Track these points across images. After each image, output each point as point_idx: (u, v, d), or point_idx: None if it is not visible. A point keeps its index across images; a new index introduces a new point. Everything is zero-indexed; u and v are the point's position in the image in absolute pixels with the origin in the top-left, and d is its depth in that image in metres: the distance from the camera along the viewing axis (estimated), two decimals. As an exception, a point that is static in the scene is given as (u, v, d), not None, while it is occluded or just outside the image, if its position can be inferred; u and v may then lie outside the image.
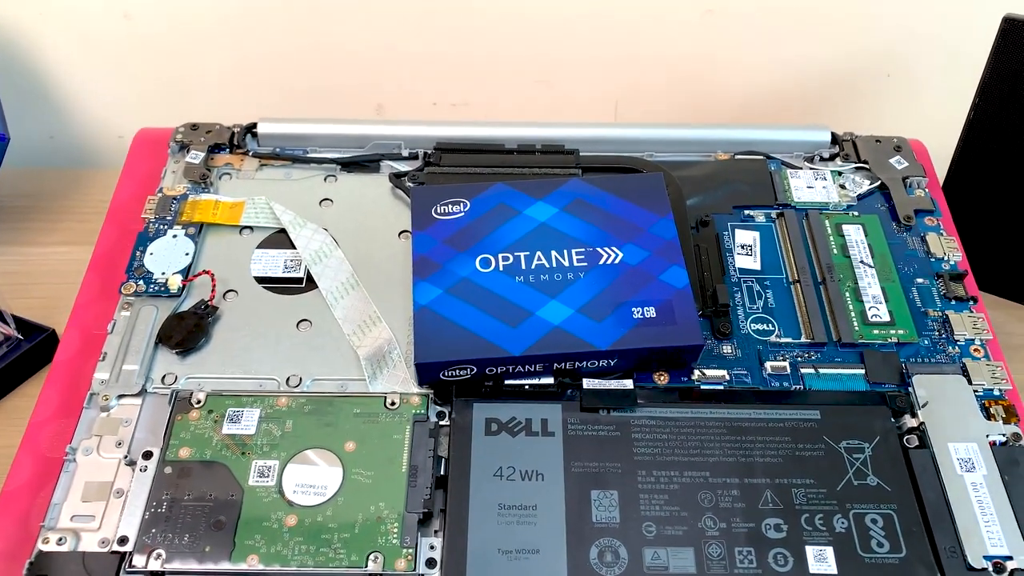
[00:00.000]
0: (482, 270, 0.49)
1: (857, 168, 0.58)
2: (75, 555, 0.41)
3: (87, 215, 0.71)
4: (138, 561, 0.41)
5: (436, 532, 0.43)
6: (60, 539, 0.42)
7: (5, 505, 0.44)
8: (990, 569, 0.41)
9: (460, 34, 0.73)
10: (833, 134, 0.59)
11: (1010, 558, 0.42)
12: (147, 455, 0.44)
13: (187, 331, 0.49)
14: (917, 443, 0.45)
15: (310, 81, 0.75)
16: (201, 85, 0.76)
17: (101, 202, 0.58)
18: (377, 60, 0.75)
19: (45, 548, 0.41)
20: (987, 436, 0.46)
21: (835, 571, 0.41)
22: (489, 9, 0.70)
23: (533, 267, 0.49)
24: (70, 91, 0.76)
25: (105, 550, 0.41)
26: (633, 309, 0.47)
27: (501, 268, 0.49)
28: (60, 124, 0.79)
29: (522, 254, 0.49)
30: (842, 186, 0.57)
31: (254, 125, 0.59)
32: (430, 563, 0.41)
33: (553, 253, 0.49)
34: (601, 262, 0.49)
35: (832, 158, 0.59)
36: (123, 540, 0.42)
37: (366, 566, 0.41)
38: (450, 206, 0.52)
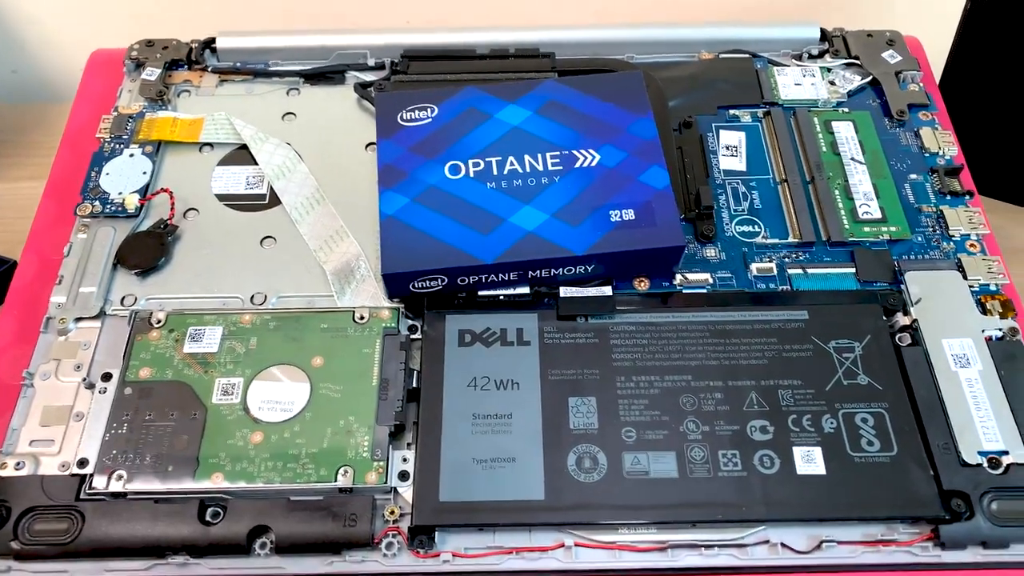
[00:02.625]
0: (451, 177, 0.46)
1: (847, 64, 0.55)
2: (34, 479, 0.40)
3: (51, 148, 0.68)
4: (98, 483, 0.39)
5: (408, 445, 0.41)
6: (18, 464, 0.40)
7: (-37, 433, 0.42)
8: (985, 464, 0.40)
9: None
10: (822, 30, 0.56)
11: (1006, 452, 0.40)
12: (106, 377, 0.43)
13: (146, 251, 0.47)
14: (910, 341, 0.44)
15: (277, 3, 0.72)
16: (165, 3, 0.72)
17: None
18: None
19: (3, 473, 0.40)
20: (983, 331, 0.44)
21: (823, 471, 0.40)
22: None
23: (505, 172, 0.46)
24: (30, 24, 0.73)
25: (65, 473, 0.40)
26: (611, 212, 0.45)
27: (471, 174, 0.46)
28: (23, 58, 0.75)
29: (494, 159, 0.47)
30: (831, 83, 0.54)
31: (213, 40, 0.56)
32: (403, 476, 0.40)
33: (526, 157, 0.47)
34: (577, 165, 0.47)
35: (821, 55, 0.56)
36: (83, 463, 0.40)
37: (335, 480, 0.39)
38: (417, 112, 0.49)
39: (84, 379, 0.43)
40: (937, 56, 0.59)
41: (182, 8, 0.72)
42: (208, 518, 0.39)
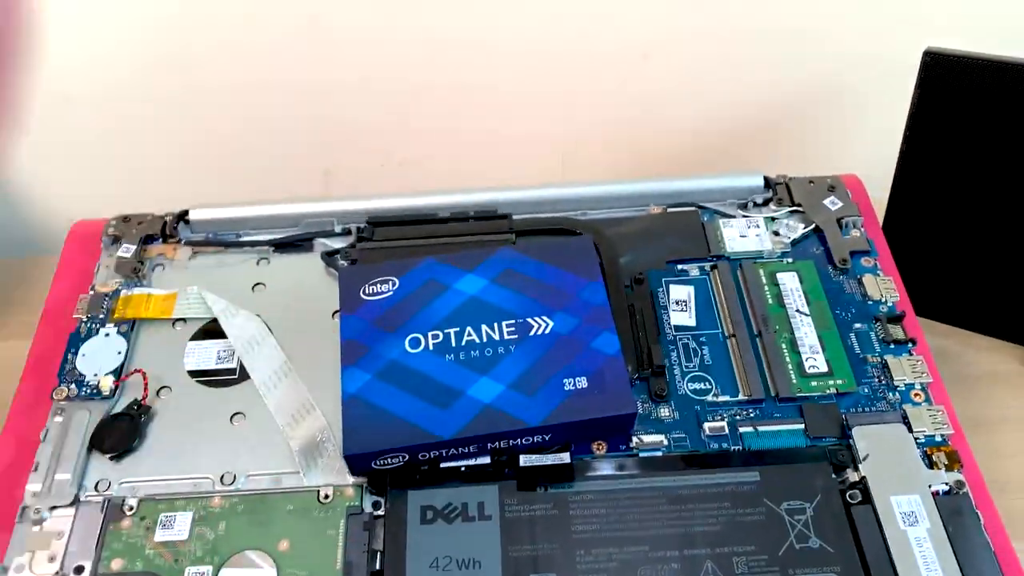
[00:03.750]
0: (411, 350, 0.48)
1: (792, 212, 0.58)
2: None
3: (34, 306, 0.70)
4: None
5: (373, 630, 0.42)
6: (-9, 666, 0.41)
7: (-62, 632, 0.43)
8: (937, 628, 0.41)
9: (406, 93, 0.73)
10: (766, 178, 0.59)
11: (956, 615, 0.41)
12: (79, 570, 0.44)
13: (119, 435, 0.48)
14: (860, 498, 0.45)
15: (257, 152, 0.75)
16: (147, 166, 0.76)
17: (47, 291, 0.58)
18: (321, 125, 0.75)
19: (-24, 677, 0.41)
20: (930, 486, 0.45)
21: (779, 643, 0.40)
22: (436, 69, 0.71)
23: (463, 343, 0.48)
24: (12, 178, 0.76)
25: (37, 676, 0.41)
26: (565, 380, 0.47)
27: (431, 347, 0.48)
28: (2, 214, 0.78)
29: (452, 331, 0.49)
30: (776, 232, 0.57)
31: (186, 212, 0.59)
32: (367, 664, 0.41)
33: (483, 327, 0.49)
34: (532, 333, 0.49)
35: (766, 203, 0.59)
36: (54, 663, 0.41)
37: (300, 674, 0.40)
38: (379, 285, 0.51)
39: (58, 572, 0.44)
40: (886, 178, 0.61)
41: (144, 174, 0.75)
42: None
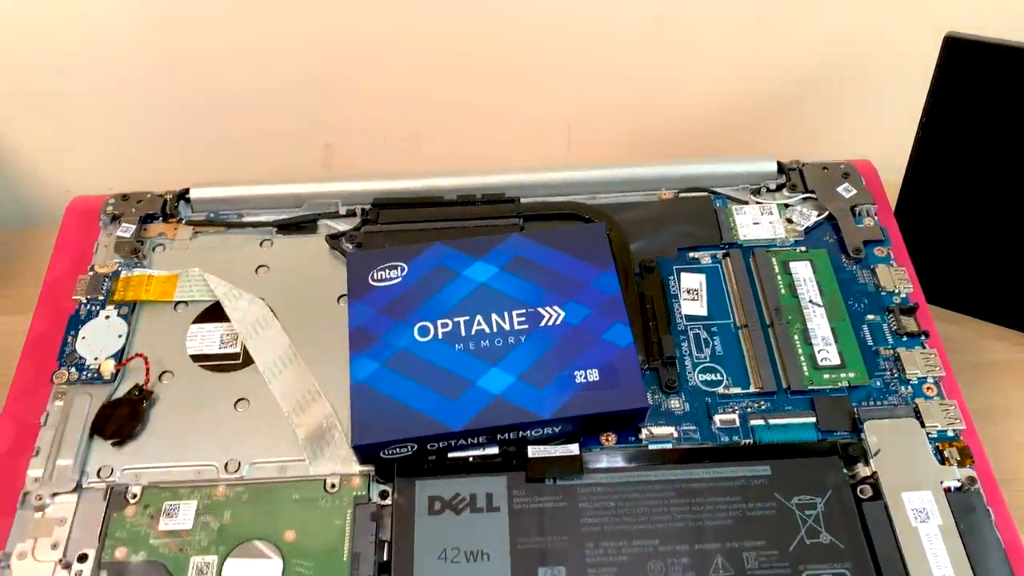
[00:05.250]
0: (420, 339, 0.48)
1: (805, 198, 0.57)
2: (10, 673, 0.40)
3: (32, 279, 0.69)
4: (74, 676, 0.40)
5: (381, 622, 0.42)
6: (-5, 655, 0.41)
7: (-61, 620, 0.43)
8: (946, 626, 0.41)
9: (412, 67, 0.71)
10: (779, 163, 0.58)
11: (966, 613, 0.41)
12: (82, 558, 0.43)
13: (121, 421, 0.48)
14: (871, 494, 0.44)
15: (259, 126, 0.74)
16: (144, 136, 0.74)
17: (44, 265, 0.57)
18: (323, 98, 0.73)
19: (-21, 666, 0.40)
20: (941, 482, 0.45)
21: (789, 639, 0.40)
22: (441, 42, 0.69)
23: (473, 333, 0.48)
24: (9, 152, 0.75)
25: (41, 665, 0.40)
26: (576, 373, 0.46)
27: (440, 336, 0.48)
28: (1, 186, 0.77)
29: (461, 319, 0.48)
30: (789, 220, 0.56)
31: (187, 191, 0.58)
32: (375, 657, 0.41)
33: (493, 316, 0.48)
34: (543, 323, 0.48)
35: (779, 188, 0.58)
36: (59, 653, 0.41)
37: (308, 666, 0.40)
38: (387, 271, 0.50)
39: (61, 559, 0.43)
40: (899, 165, 0.60)
41: (141, 146, 0.74)
42: None
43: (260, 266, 0.55)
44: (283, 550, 0.43)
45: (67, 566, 0.43)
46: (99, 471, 0.47)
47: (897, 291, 0.52)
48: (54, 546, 0.44)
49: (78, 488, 0.46)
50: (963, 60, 0.53)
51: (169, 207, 0.57)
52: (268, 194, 0.57)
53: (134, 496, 0.45)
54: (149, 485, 0.45)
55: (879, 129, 0.70)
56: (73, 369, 0.50)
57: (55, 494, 0.46)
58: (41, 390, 0.50)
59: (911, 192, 0.60)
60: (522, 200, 0.56)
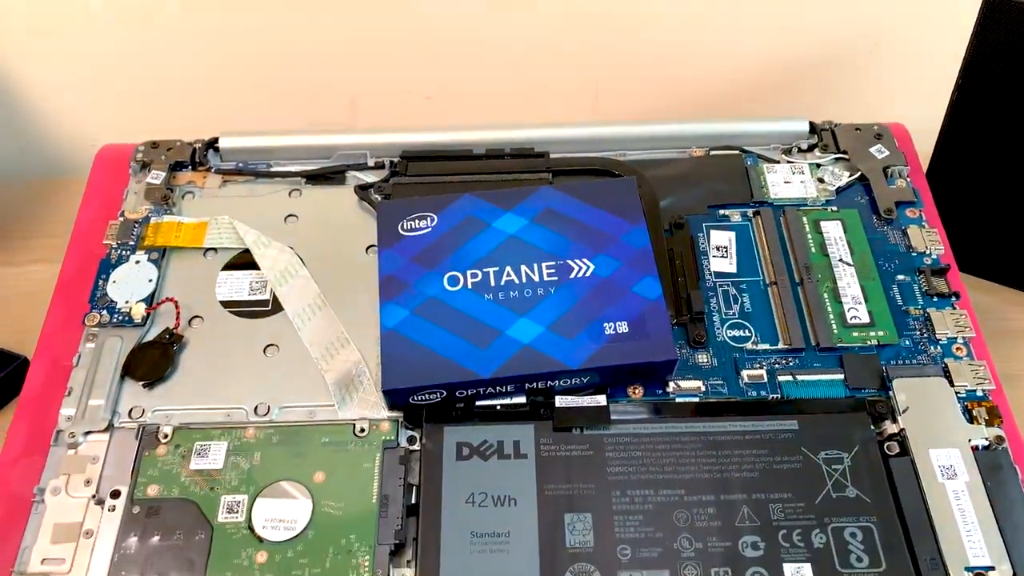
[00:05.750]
0: (450, 288, 0.48)
1: (837, 159, 0.56)
2: (45, 601, 0.41)
3: (60, 228, 0.69)
4: (108, 606, 0.40)
5: (408, 563, 0.42)
6: (30, 584, 0.41)
7: (-25, 550, 0.44)
8: (971, 580, 0.41)
9: (436, 23, 0.70)
10: (811, 123, 0.58)
11: (991, 568, 0.41)
12: (115, 494, 0.44)
13: (152, 363, 0.48)
14: (898, 450, 0.45)
15: (284, 77, 0.73)
16: (171, 88, 0.74)
17: (74, 214, 0.57)
18: (349, 53, 0.73)
19: (15, 595, 0.41)
20: (969, 440, 0.45)
21: (813, 589, 0.41)
22: (468, 1, 0.68)
23: (502, 283, 0.48)
24: (36, 101, 0.75)
25: (75, 595, 0.41)
26: (605, 324, 0.46)
27: (470, 285, 0.48)
28: (30, 135, 0.77)
29: (491, 270, 0.48)
30: (820, 179, 0.55)
31: (216, 140, 0.58)
32: (403, 595, 0.41)
33: (523, 267, 0.48)
34: (572, 275, 0.48)
35: (811, 149, 0.57)
36: (93, 584, 0.41)
37: (337, 602, 0.40)
38: (417, 221, 0.50)
39: (94, 495, 0.44)
40: (930, 132, 0.60)
41: (169, 97, 0.74)
42: (214, 641, 0.40)
43: (289, 216, 0.55)
44: (312, 491, 0.44)
45: (100, 502, 0.44)
46: (130, 411, 0.47)
47: (928, 252, 0.52)
48: (87, 482, 0.45)
49: (110, 428, 0.46)
50: (1002, 22, 0.52)
51: (198, 156, 0.57)
52: (297, 145, 0.57)
53: (165, 436, 0.45)
54: (180, 426, 0.46)
55: (913, 96, 0.70)
56: (104, 312, 0.50)
57: (87, 433, 0.46)
58: (72, 332, 0.50)
59: (944, 157, 0.59)
60: (551, 155, 0.56)
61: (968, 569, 0.41)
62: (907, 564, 0.41)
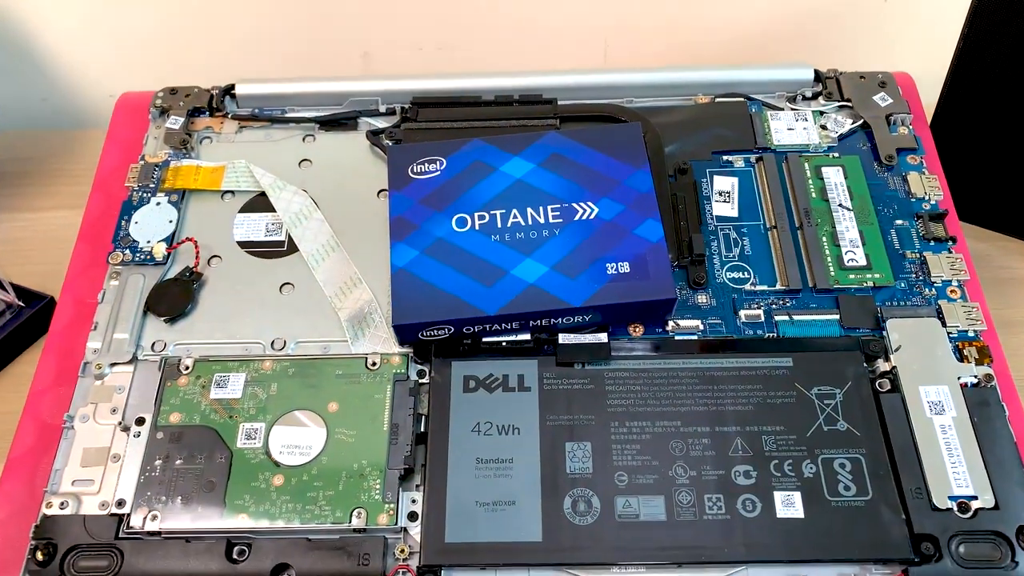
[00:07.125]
0: (458, 230, 0.49)
1: (840, 107, 0.57)
2: (77, 518, 0.44)
3: (81, 177, 0.71)
4: (135, 522, 0.43)
5: (417, 487, 0.44)
6: (63, 503, 0.44)
7: (11, 471, 0.46)
8: (955, 509, 0.42)
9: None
10: (816, 71, 0.58)
11: (974, 497, 0.43)
12: (140, 421, 0.46)
13: (173, 299, 0.50)
14: (889, 387, 0.46)
15: (298, 33, 0.75)
16: (188, 40, 0.75)
17: (95, 164, 0.59)
18: (361, 8, 0.74)
19: (49, 512, 0.44)
20: (959, 378, 0.46)
21: (802, 515, 0.42)
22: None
23: (509, 225, 0.49)
24: (59, 52, 0.76)
25: (104, 512, 0.44)
26: (607, 264, 0.48)
27: (477, 227, 0.49)
28: (51, 86, 0.79)
29: (498, 212, 0.50)
30: (823, 127, 0.56)
31: (232, 87, 0.59)
32: (411, 516, 0.43)
33: (529, 210, 0.50)
34: (576, 218, 0.49)
35: (815, 96, 0.58)
36: (121, 503, 0.44)
37: (350, 522, 0.43)
38: (426, 164, 0.52)
39: (120, 422, 0.47)
40: (935, 81, 0.60)
41: (186, 49, 0.75)
42: (235, 556, 0.43)
43: (303, 160, 0.57)
44: (326, 419, 0.46)
45: (125, 428, 0.46)
46: (153, 345, 0.49)
47: (927, 198, 0.53)
48: (113, 411, 0.47)
49: (134, 360, 0.49)
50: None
51: (216, 102, 0.59)
52: (311, 91, 0.59)
53: (186, 368, 0.48)
54: (200, 358, 0.48)
55: (922, 48, 0.70)
56: (127, 251, 0.52)
57: (113, 364, 0.49)
58: (96, 270, 0.53)
59: (948, 106, 0.59)
60: (559, 102, 0.57)
61: (952, 498, 0.43)
62: (893, 493, 0.43)
